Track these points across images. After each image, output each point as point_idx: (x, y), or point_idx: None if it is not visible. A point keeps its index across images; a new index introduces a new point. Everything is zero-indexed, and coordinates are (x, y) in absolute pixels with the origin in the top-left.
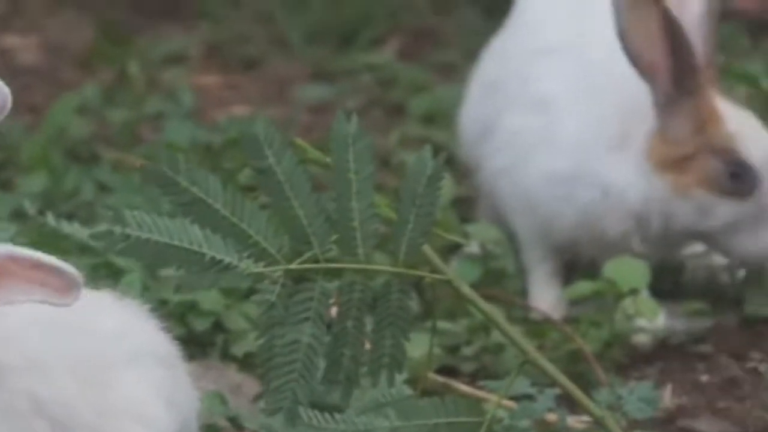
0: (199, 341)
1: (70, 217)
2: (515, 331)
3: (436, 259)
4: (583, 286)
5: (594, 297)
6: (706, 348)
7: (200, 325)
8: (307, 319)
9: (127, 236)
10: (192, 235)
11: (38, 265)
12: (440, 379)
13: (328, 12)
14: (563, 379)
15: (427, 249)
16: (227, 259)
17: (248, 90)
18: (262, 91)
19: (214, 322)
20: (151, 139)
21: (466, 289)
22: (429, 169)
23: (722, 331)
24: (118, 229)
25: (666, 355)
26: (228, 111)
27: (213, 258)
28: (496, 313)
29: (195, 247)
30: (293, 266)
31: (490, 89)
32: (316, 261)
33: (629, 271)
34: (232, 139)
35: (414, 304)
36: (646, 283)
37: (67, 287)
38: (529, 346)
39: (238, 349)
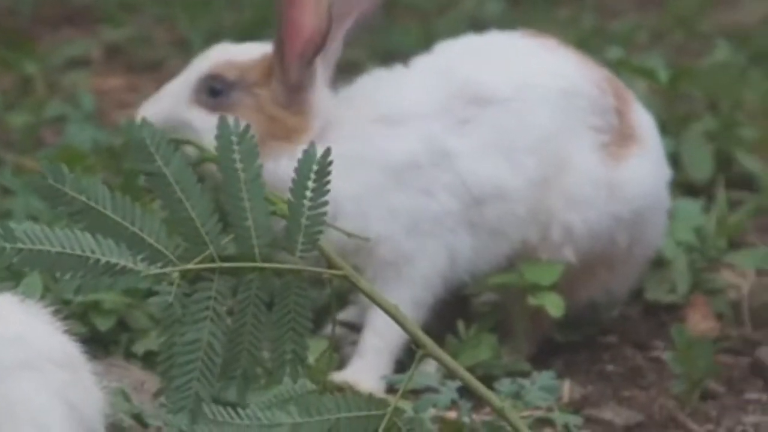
0: (102, 340)
1: None
2: (414, 324)
3: (332, 255)
4: (492, 278)
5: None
6: (611, 339)
7: (103, 324)
8: (205, 318)
9: (20, 250)
10: (85, 243)
11: None
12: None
13: (228, 13)
14: (462, 372)
15: (323, 244)
16: (122, 263)
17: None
18: None
19: (117, 321)
20: (52, 143)
21: (364, 284)
22: (315, 164)
23: (626, 322)
24: (8, 245)
25: (572, 346)
26: (130, 113)
27: (108, 263)
28: (393, 307)
29: (89, 254)
30: (189, 266)
31: None
32: (212, 261)
33: (541, 269)
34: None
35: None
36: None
37: None
38: (428, 339)
39: (141, 347)
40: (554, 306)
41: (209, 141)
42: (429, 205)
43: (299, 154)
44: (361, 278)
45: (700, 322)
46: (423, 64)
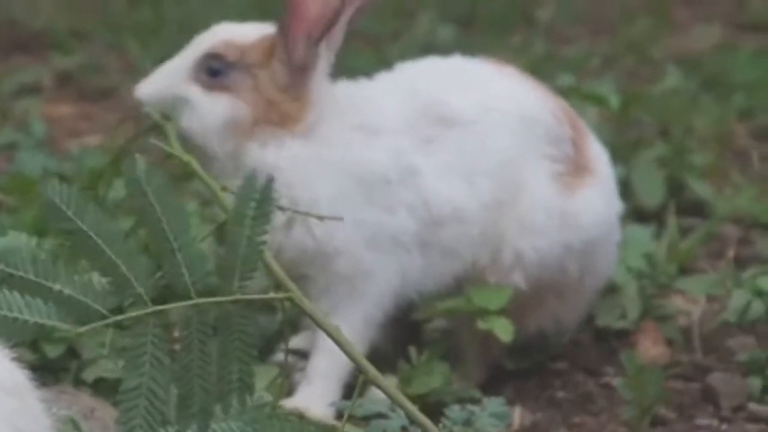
0: (51, 367)
1: None
2: (358, 350)
3: (281, 275)
4: (441, 304)
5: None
6: (561, 365)
7: (52, 351)
8: (144, 363)
9: None
10: (14, 304)
11: None
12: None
13: (179, 39)
14: (403, 400)
15: (271, 262)
16: (49, 323)
17: (102, 119)
18: (115, 120)
19: (66, 348)
20: (3, 170)
21: (308, 306)
22: (257, 193)
23: (577, 348)
24: None
25: (522, 373)
26: (81, 141)
27: (36, 323)
28: (336, 329)
29: (16, 314)
30: (119, 318)
31: None
32: (144, 304)
33: (489, 294)
34: (85, 169)
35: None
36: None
37: None
38: (371, 366)
39: (90, 375)
40: (503, 330)
41: (204, 120)
42: (390, 221)
43: (288, 143)
44: (307, 301)
45: (650, 348)
46: (389, 79)
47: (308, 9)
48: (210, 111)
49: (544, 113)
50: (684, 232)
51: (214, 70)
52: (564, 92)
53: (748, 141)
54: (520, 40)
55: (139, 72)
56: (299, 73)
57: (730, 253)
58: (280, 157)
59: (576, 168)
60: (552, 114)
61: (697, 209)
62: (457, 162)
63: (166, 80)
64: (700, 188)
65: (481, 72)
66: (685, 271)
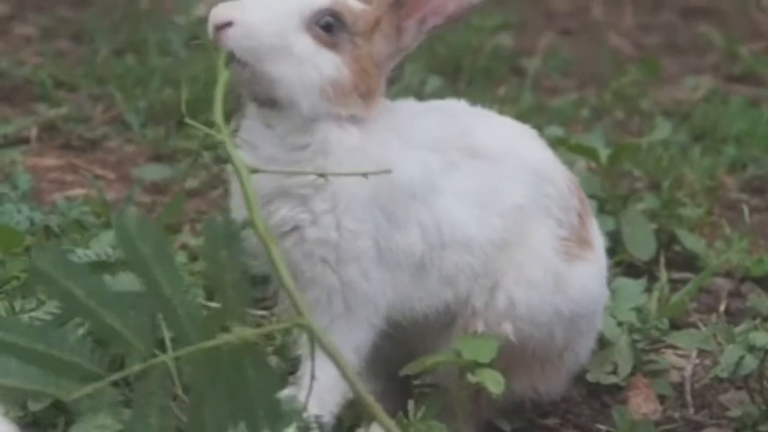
0: (39, 423)
1: None
2: (362, 385)
3: (299, 301)
4: (430, 358)
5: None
6: (553, 421)
7: (35, 405)
8: (149, 414)
9: None
10: (7, 369)
11: None
12: None
13: (165, 91)
14: None
15: (290, 287)
16: (47, 390)
17: (87, 171)
18: (101, 172)
19: (53, 403)
20: None
21: (320, 332)
22: (222, 232)
23: (568, 403)
24: None
25: (515, 429)
26: (67, 193)
27: (33, 390)
28: (347, 365)
29: (9, 382)
30: (112, 377)
31: None
32: (143, 360)
33: (478, 345)
34: (71, 221)
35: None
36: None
37: None
38: (375, 403)
39: (78, 430)
40: (494, 382)
41: (308, 73)
42: (401, 238)
43: (354, 132)
44: (320, 327)
45: (642, 404)
46: (423, 104)
47: None
48: (319, 66)
49: (560, 179)
50: (675, 285)
51: (329, 27)
52: (552, 144)
53: (739, 193)
54: (508, 91)
55: (124, 124)
56: (397, 55)
57: (722, 307)
58: (342, 145)
59: (578, 239)
60: (565, 182)
61: (688, 262)
62: (474, 192)
63: (277, 20)
64: (691, 241)
65: (508, 123)
66: (676, 325)
